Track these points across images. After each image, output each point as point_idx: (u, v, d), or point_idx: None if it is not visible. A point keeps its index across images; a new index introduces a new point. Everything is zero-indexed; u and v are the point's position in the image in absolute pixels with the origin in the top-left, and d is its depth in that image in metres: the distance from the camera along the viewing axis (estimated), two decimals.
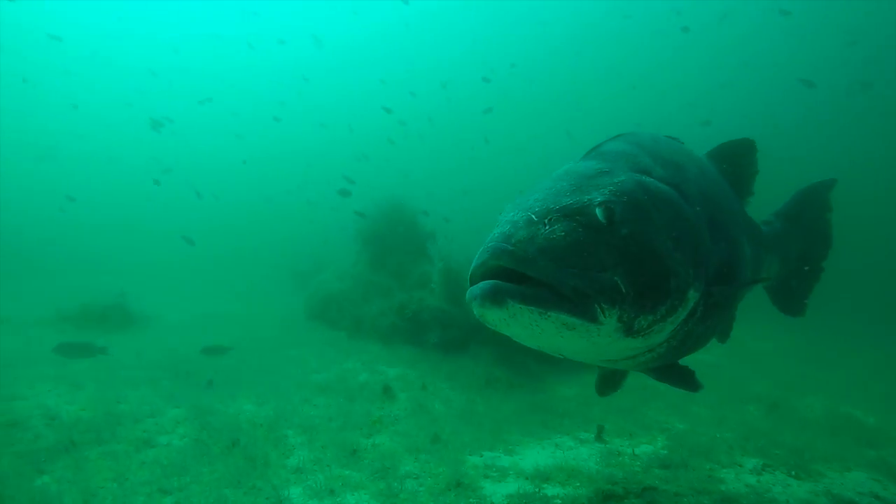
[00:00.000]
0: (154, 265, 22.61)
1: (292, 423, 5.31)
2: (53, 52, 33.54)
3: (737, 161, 3.26)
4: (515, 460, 4.60)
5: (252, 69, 38.67)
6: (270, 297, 16.61)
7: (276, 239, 27.10)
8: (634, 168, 2.28)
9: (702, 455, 4.61)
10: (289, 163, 38.39)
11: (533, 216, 1.86)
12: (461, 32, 35.30)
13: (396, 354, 8.17)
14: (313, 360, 8.18)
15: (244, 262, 22.83)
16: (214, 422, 5.30)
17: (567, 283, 1.69)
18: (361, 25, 38.23)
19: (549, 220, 1.84)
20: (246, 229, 31.19)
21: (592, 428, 5.36)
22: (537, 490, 3.86)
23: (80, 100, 30.17)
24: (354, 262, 11.48)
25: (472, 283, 1.80)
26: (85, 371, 7.38)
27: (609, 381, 3.34)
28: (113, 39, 37.78)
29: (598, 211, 1.88)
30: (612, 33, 30.46)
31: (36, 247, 25.15)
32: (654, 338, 2.03)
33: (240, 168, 34.72)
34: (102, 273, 18.64)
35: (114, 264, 21.71)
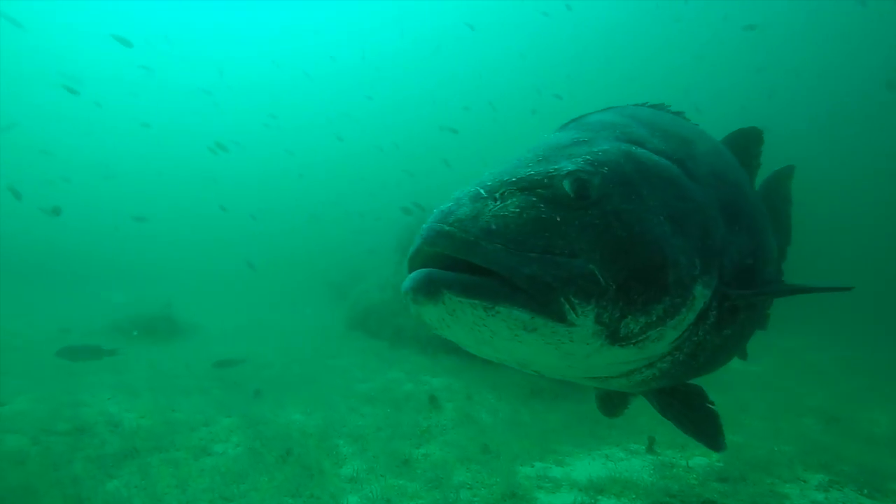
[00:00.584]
0: (199, 276, 23.42)
1: (342, 432, 5.40)
2: (128, 77, 35.46)
3: (740, 152, 2.77)
4: (567, 471, 4.55)
5: (304, 87, 39.42)
6: (309, 307, 16.92)
7: (314, 251, 27.70)
8: (624, 138, 1.88)
9: (761, 469, 4.47)
10: (334, 177, 39.17)
11: (482, 190, 1.50)
12: (505, 43, 35.10)
13: (439, 364, 8.21)
14: (357, 370, 8.29)
15: (284, 274, 23.36)
16: (266, 431, 5.43)
17: (521, 271, 1.33)
18: (407, 42, 38.61)
19: (502, 194, 1.48)
20: (287, 242, 32.01)
21: (642, 439, 5.26)
22: (593, 502, 3.82)
23: (137, 119, 31.67)
24: (394, 272, 11.61)
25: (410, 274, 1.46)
26: (139, 379, 7.69)
27: (612, 401, 2.72)
28: (165, 58, 39.33)
29: (565, 182, 1.50)
30: (659, 37, 29.96)
31: (91, 261, 26.57)
32: (651, 347, 1.63)
33: (287, 183, 35.77)
34: (152, 285, 19.37)
35: (163, 276, 22.58)
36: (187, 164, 37.66)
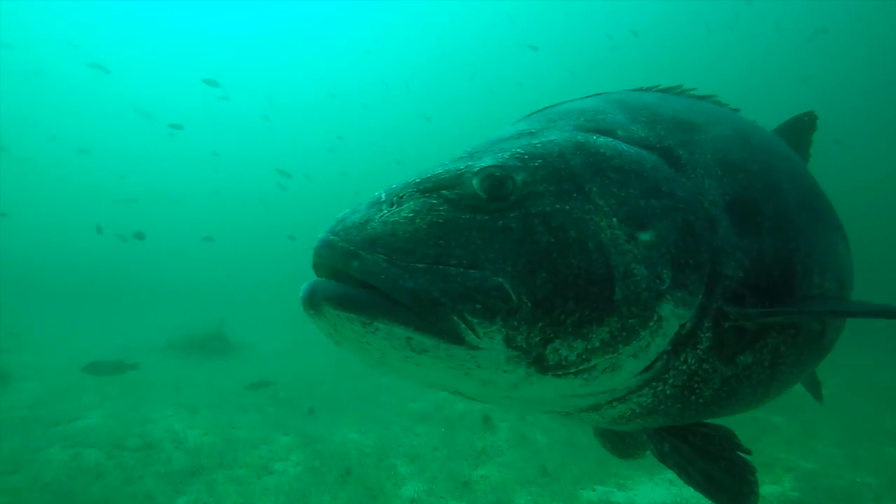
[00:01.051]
0: (253, 295, 24.23)
1: (398, 452, 5.42)
2: (195, 109, 37.87)
3: (795, 140, 2.37)
4: (630, 496, 4.43)
5: (359, 114, 40.32)
6: None
7: None
8: (587, 127, 1.60)
9: (843, 501, 4.24)
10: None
11: (382, 194, 1.36)
12: (555, 61, 34.82)
13: None
14: (407, 388, 8.32)
15: None
16: (324, 450, 5.50)
17: (401, 285, 1.18)
18: (450, 62, 38.94)
19: (400, 197, 1.32)
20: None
21: None
22: None
23: (204, 147, 33.75)
24: None
25: None
26: (197, 396, 7.94)
27: (622, 439, 2.14)
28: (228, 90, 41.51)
29: (474, 181, 1.29)
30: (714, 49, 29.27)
31: (152, 281, 28.05)
32: (605, 379, 1.36)
33: (340, 204, 36.89)
34: (207, 305, 20.12)
35: (219, 296, 23.49)
36: (246, 188, 39.23)
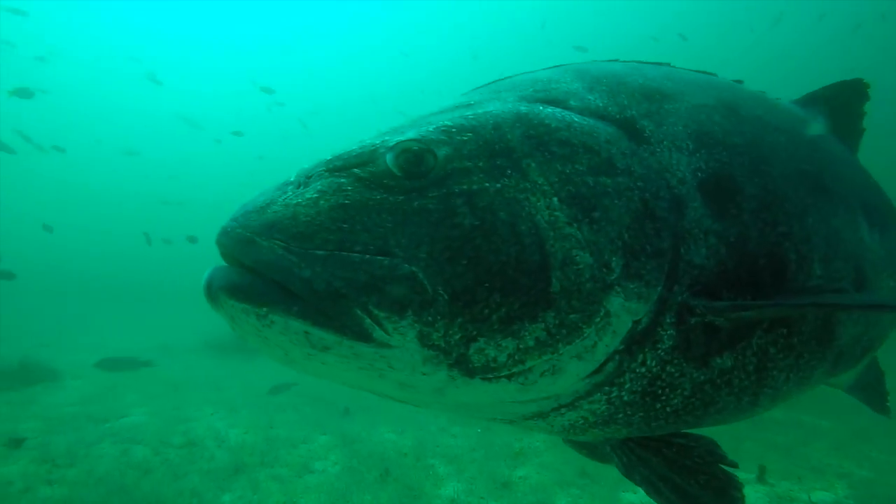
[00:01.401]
0: None
1: (436, 452, 5.43)
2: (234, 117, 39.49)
3: (838, 111, 2.07)
4: None
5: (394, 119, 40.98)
6: None
7: None
8: (534, 98, 1.42)
9: None
10: None
11: (293, 175, 1.25)
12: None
13: None
14: None
15: None
16: (362, 449, 5.56)
17: (297, 274, 1.06)
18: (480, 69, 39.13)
19: (308, 178, 1.19)
20: None
21: (750, 467, 4.91)
22: None
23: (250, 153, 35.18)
24: None
25: None
26: (236, 396, 8.11)
27: (597, 446, 1.81)
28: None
29: (388, 157, 1.15)
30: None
31: (191, 282, 28.92)
32: (546, 384, 1.20)
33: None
34: None
35: None
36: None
